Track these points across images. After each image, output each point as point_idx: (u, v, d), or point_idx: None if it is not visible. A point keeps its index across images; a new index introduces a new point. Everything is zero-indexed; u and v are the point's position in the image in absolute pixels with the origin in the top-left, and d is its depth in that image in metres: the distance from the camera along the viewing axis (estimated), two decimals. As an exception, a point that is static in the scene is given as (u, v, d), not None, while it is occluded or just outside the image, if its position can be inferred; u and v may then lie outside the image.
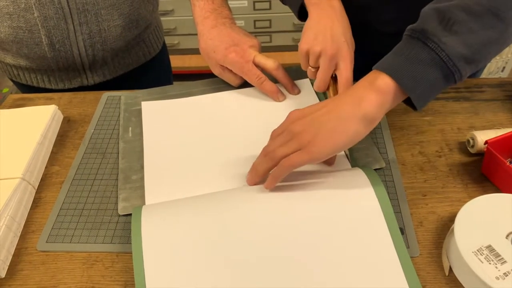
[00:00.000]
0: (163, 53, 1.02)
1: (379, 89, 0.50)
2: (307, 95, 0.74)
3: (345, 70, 0.62)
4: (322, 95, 0.73)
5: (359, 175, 0.56)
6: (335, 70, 0.64)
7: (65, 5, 0.76)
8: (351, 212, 0.53)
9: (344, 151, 0.62)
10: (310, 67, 0.66)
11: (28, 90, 0.90)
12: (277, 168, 0.53)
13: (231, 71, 0.73)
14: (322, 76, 0.64)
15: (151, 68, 0.97)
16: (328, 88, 0.66)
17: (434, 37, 0.48)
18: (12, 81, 0.92)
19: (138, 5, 0.85)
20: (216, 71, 0.75)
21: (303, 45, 0.64)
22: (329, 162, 0.61)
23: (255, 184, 0.57)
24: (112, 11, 0.80)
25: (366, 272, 0.48)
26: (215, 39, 0.72)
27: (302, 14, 0.69)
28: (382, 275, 0.48)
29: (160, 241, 0.50)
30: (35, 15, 0.75)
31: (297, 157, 0.51)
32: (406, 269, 0.48)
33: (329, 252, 0.50)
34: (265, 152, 0.55)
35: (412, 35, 0.50)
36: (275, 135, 0.56)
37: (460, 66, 0.48)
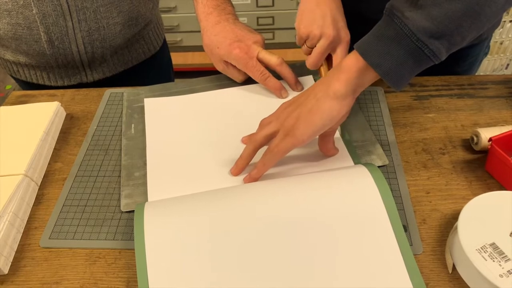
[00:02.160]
0: (164, 50, 1.02)
1: (344, 68, 0.53)
2: (310, 92, 0.73)
3: (341, 55, 0.66)
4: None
5: (362, 172, 0.55)
6: (331, 52, 0.67)
7: (64, 2, 0.75)
8: (354, 209, 0.52)
9: (346, 148, 0.62)
10: (306, 46, 0.68)
11: (28, 86, 0.90)
12: (267, 155, 0.56)
13: (235, 67, 0.73)
14: (317, 57, 0.67)
15: (152, 65, 0.97)
16: (320, 66, 0.69)
17: (398, 13, 0.48)
18: (13, 77, 0.92)
19: (137, 3, 0.85)
20: (219, 67, 0.75)
21: (303, 30, 0.67)
22: (330, 151, 0.61)
23: (239, 173, 0.60)
24: (111, 9, 0.80)
25: (369, 270, 0.48)
26: (219, 35, 0.72)
27: None
28: (385, 273, 0.48)
29: (162, 238, 0.50)
30: (34, 11, 0.75)
31: (284, 142, 0.55)
32: (409, 267, 0.48)
33: (332, 249, 0.49)
34: (251, 139, 0.59)
35: (384, 13, 0.51)
36: (264, 123, 0.59)
37: (425, 41, 0.47)
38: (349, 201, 0.53)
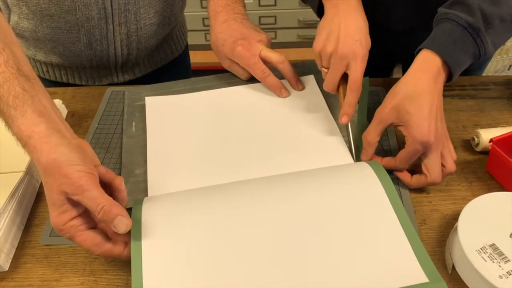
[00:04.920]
0: (186, 50, 1.03)
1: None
2: (311, 91, 0.73)
3: (355, 71, 0.60)
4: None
5: (365, 168, 0.55)
6: (346, 70, 0.62)
7: (108, 5, 0.75)
8: (360, 204, 0.52)
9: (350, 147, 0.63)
10: (323, 68, 0.64)
11: (54, 86, 0.88)
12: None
13: (239, 64, 0.73)
14: (330, 77, 0.63)
15: (177, 65, 0.98)
16: (338, 89, 0.64)
17: (483, 37, 0.56)
18: (40, 77, 0.89)
19: (171, 2, 0.85)
20: (225, 64, 0.76)
21: (315, 46, 0.63)
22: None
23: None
24: (149, 9, 0.80)
25: (379, 263, 0.47)
26: (224, 33, 0.73)
27: (321, 10, 0.67)
28: (396, 262, 0.47)
29: (159, 233, 0.50)
30: (77, 16, 0.75)
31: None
32: (421, 258, 0.47)
33: (340, 243, 0.49)
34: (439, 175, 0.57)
35: (467, 30, 0.56)
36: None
37: (482, 58, 0.58)
38: (354, 195, 0.53)
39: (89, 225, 0.48)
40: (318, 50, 0.63)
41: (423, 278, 0.45)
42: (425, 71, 0.56)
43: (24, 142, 0.48)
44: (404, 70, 0.95)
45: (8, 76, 0.49)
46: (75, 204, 0.47)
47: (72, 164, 0.46)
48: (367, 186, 0.53)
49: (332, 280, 0.46)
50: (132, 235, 0.50)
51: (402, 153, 0.57)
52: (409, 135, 0.55)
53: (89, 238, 0.48)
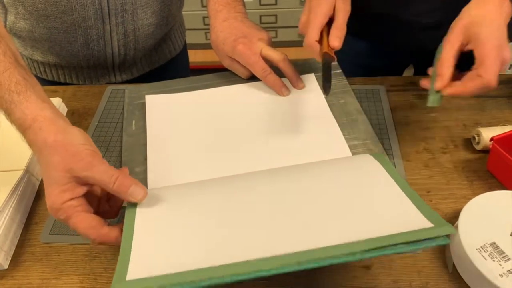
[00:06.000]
0: (185, 49, 1.02)
1: None
2: (311, 90, 0.73)
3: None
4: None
5: (366, 156, 0.56)
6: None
7: (105, 5, 0.75)
8: (360, 174, 0.52)
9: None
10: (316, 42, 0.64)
11: (52, 85, 0.89)
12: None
13: (240, 63, 0.73)
14: (313, 30, 0.63)
15: (175, 65, 0.98)
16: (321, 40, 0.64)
17: None
18: (37, 77, 0.90)
19: (169, 2, 0.85)
20: (225, 63, 0.76)
21: (299, 30, 0.66)
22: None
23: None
24: (146, 10, 0.80)
25: (380, 214, 0.46)
26: (225, 31, 0.73)
27: None
28: (398, 215, 0.46)
29: (154, 225, 0.49)
30: (74, 16, 0.75)
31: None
32: (424, 211, 0.46)
33: (340, 201, 0.48)
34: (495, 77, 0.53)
35: None
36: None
37: None
38: (354, 168, 0.53)
39: (87, 208, 0.48)
40: (300, 33, 0.65)
41: (427, 224, 0.44)
42: None
43: (28, 125, 0.48)
44: (416, 71, 0.94)
45: (7, 65, 0.51)
46: (79, 183, 0.47)
47: (80, 143, 0.47)
48: (368, 165, 0.53)
49: (334, 231, 0.44)
50: (125, 225, 0.48)
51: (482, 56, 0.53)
52: (479, 44, 0.53)
53: (86, 220, 0.46)
